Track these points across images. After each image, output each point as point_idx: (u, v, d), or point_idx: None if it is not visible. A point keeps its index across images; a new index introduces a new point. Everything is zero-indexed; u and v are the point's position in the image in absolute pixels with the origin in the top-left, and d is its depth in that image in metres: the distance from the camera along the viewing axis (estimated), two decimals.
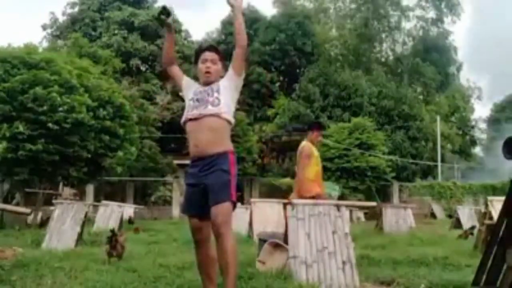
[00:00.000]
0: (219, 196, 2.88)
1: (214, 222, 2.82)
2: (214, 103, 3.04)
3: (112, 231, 5.35)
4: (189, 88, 3.26)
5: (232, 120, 3.13)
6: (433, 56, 32.35)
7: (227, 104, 3.09)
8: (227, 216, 2.86)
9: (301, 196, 5.23)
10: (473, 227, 9.30)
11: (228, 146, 3.07)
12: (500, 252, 3.12)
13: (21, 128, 11.04)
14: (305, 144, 5.83)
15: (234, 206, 2.99)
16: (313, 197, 5.20)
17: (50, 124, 11.20)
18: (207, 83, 3.17)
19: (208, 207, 2.90)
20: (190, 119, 3.08)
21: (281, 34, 28.43)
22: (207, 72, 3.17)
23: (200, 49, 3.33)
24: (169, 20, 3.22)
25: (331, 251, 4.24)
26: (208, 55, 3.21)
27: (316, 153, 5.85)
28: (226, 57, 3.36)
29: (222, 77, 3.22)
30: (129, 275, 4.33)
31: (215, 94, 3.07)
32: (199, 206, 2.99)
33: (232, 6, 3.26)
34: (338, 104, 26.97)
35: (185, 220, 3.25)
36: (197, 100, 3.10)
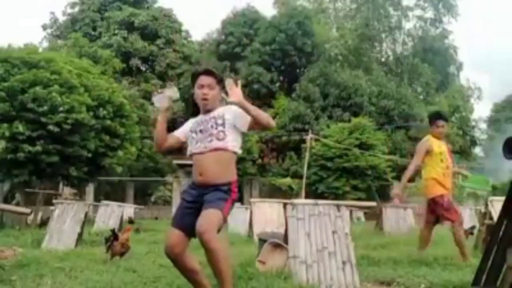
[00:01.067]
0: (210, 205, 2.81)
1: (198, 231, 2.68)
2: (219, 137, 2.98)
3: (113, 230, 5.35)
4: (188, 126, 3.21)
5: (239, 151, 3.11)
6: (433, 56, 32.35)
7: (233, 138, 3.04)
8: (212, 223, 2.72)
9: (430, 198, 5.26)
10: (473, 227, 9.30)
11: (232, 176, 3.02)
12: (500, 252, 3.12)
13: (20, 128, 11.04)
14: (426, 139, 5.47)
15: (224, 221, 2.88)
16: (436, 199, 5.18)
17: (50, 126, 11.19)
18: (206, 111, 3.11)
19: (191, 227, 2.81)
20: (195, 153, 3.03)
21: (281, 34, 28.43)
22: (205, 99, 3.09)
23: (196, 73, 3.22)
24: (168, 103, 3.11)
25: (331, 251, 4.24)
26: (204, 80, 3.11)
27: (438, 148, 5.38)
28: (222, 80, 3.20)
29: (221, 100, 3.14)
30: (129, 275, 4.33)
31: (220, 128, 3.00)
32: (187, 222, 2.88)
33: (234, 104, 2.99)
34: (338, 104, 26.97)
35: None
36: (200, 131, 3.05)
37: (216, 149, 2.95)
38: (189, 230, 2.85)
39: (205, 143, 2.99)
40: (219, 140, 2.98)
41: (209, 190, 2.90)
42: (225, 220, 2.89)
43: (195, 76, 3.19)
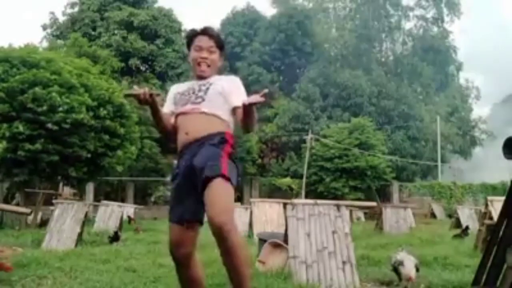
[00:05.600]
0: (206, 173, 2.21)
1: (214, 222, 2.08)
2: (196, 101, 2.51)
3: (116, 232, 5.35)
4: (172, 94, 2.71)
5: (226, 118, 2.52)
6: (433, 56, 32.36)
7: (213, 105, 2.50)
8: (227, 208, 2.16)
9: None
10: (467, 228, 9.38)
11: (226, 128, 2.48)
12: (500, 252, 3.12)
13: (20, 128, 11.04)
14: None
15: (233, 189, 2.29)
16: None
17: (49, 125, 11.20)
18: (201, 77, 2.60)
19: (194, 209, 2.35)
20: (180, 114, 2.55)
21: (281, 34, 28.44)
22: (200, 63, 2.58)
23: (194, 33, 2.65)
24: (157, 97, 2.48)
25: (331, 251, 4.24)
26: (204, 41, 2.58)
27: None
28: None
29: (220, 68, 2.68)
30: (129, 275, 4.33)
31: (200, 93, 2.53)
32: (186, 209, 2.37)
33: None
34: (338, 104, 26.99)
35: None
36: (183, 93, 2.60)
37: (193, 112, 2.47)
38: (189, 217, 2.38)
39: (192, 105, 2.51)
40: (193, 103, 2.50)
41: (197, 150, 2.35)
42: (232, 184, 2.27)
43: (192, 36, 2.65)
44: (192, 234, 2.41)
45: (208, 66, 2.59)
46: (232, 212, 2.20)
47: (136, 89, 2.41)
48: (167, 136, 2.64)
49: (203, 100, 2.49)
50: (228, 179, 2.24)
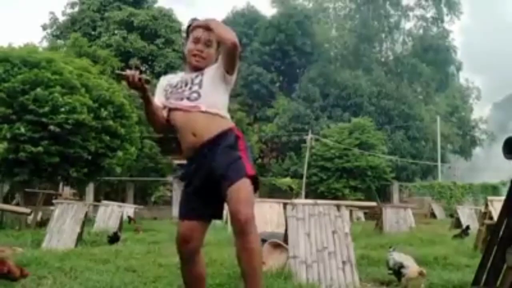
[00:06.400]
0: (230, 176, 2.22)
1: (237, 219, 2.13)
2: (191, 97, 2.45)
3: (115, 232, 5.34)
4: (162, 87, 2.64)
5: (223, 113, 2.49)
6: (433, 55, 32.39)
7: (211, 100, 2.45)
8: (249, 208, 2.17)
9: None
10: (467, 228, 9.38)
11: (228, 123, 2.46)
12: (500, 252, 3.12)
13: (22, 130, 11.02)
14: None
15: (256, 187, 2.30)
16: None
17: (51, 127, 11.19)
18: (195, 68, 2.53)
19: (205, 210, 2.41)
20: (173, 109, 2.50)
21: (281, 34, 28.46)
22: (197, 55, 2.52)
23: (193, 24, 2.60)
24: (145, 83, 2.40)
25: (331, 251, 4.24)
26: (202, 34, 2.52)
27: None
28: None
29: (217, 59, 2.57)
30: (129, 275, 4.33)
31: (195, 88, 2.47)
32: (194, 208, 2.40)
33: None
34: (338, 104, 27.01)
35: None
36: (175, 86, 2.53)
37: (193, 111, 2.42)
38: (201, 215, 2.41)
39: (178, 100, 2.46)
40: (190, 100, 2.44)
41: (211, 153, 2.33)
42: (255, 183, 2.30)
43: (191, 28, 2.59)
44: (202, 230, 2.43)
45: (203, 58, 2.53)
46: (252, 210, 2.22)
47: (127, 71, 2.38)
48: (156, 127, 2.62)
49: (199, 95, 2.44)
50: (252, 178, 2.28)
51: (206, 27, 2.53)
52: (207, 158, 2.34)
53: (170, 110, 2.51)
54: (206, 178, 2.35)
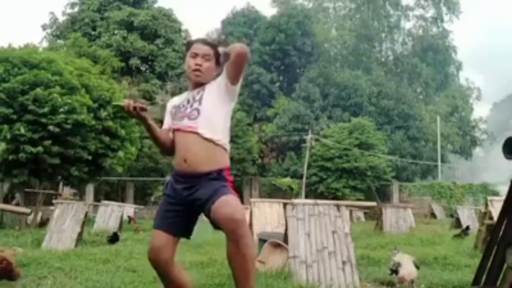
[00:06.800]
0: (217, 195, 2.25)
1: (230, 223, 2.13)
2: (191, 116, 2.45)
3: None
4: (169, 107, 2.68)
5: (222, 140, 2.46)
6: (433, 55, 32.40)
7: (208, 121, 2.44)
8: (241, 212, 2.20)
9: None
10: (467, 228, 9.38)
11: (224, 162, 2.46)
12: (500, 252, 3.12)
13: (22, 130, 11.02)
14: None
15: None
16: None
17: (51, 127, 11.18)
18: (196, 84, 2.55)
19: (182, 227, 2.44)
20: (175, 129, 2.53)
21: (281, 34, 28.46)
22: (196, 70, 2.52)
23: (192, 41, 2.68)
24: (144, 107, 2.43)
25: (331, 251, 4.24)
26: (199, 49, 2.54)
27: None
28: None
29: (218, 75, 2.58)
30: (129, 275, 4.33)
31: (195, 105, 2.47)
32: (172, 223, 2.41)
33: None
34: (338, 104, 27.01)
35: None
36: (178, 106, 2.56)
37: (189, 131, 2.42)
38: (176, 231, 2.43)
39: (180, 120, 2.48)
40: (190, 119, 2.45)
41: (197, 183, 2.36)
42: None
43: (189, 45, 2.64)
44: (173, 243, 2.43)
45: (203, 72, 2.54)
46: (244, 215, 2.24)
47: (124, 101, 2.44)
48: (163, 150, 2.67)
49: (199, 113, 2.44)
50: (236, 196, 2.32)
51: (204, 41, 2.59)
52: (195, 185, 2.37)
53: (174, 131, 2.54)
54: (189, 202, 2.39)
